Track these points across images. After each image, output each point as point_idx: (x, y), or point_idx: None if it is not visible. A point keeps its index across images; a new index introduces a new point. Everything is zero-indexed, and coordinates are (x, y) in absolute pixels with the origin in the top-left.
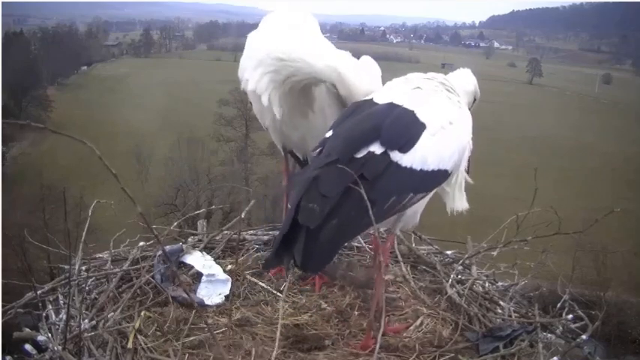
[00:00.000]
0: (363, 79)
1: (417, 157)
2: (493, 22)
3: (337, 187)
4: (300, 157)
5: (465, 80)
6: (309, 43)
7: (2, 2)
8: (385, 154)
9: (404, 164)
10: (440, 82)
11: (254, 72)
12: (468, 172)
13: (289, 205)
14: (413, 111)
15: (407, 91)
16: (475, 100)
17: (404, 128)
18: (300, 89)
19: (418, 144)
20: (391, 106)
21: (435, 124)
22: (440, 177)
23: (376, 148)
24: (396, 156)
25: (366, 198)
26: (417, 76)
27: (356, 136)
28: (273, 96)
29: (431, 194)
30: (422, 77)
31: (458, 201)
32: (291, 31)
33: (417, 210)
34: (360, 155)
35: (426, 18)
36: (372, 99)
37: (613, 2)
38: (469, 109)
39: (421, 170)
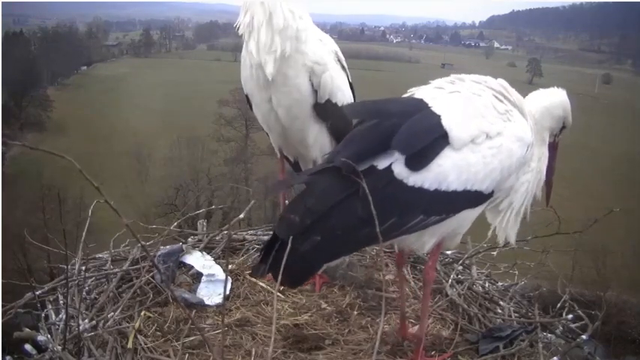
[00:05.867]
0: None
1: (429, 177)
2: (493, 22)
3: (324, 202)
4: (292, 159)
5: (550, 101)
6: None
7: (2, 2)
8: (388, 169)
9: (410, 183)
10: (489, 87)
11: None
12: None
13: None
14: (439, 116)
15: (442, 94)
16: (565, 127)
17: (421, 135)
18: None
19: (434, 162)
20: (418, 104)
21: (464, 136)
22: (470, 199)
23: (380, 162)
24: (401, 173)
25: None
26: (465, 77)
27: (365, 142)
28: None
29: (470, 214)
30: (470, 79)
31: (509, 230)
32: None
33: (447, 232)
34: (362, 167)
35: (426, 18)
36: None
37: (613, 2)
38: (556, 137)
39: (436, 191)
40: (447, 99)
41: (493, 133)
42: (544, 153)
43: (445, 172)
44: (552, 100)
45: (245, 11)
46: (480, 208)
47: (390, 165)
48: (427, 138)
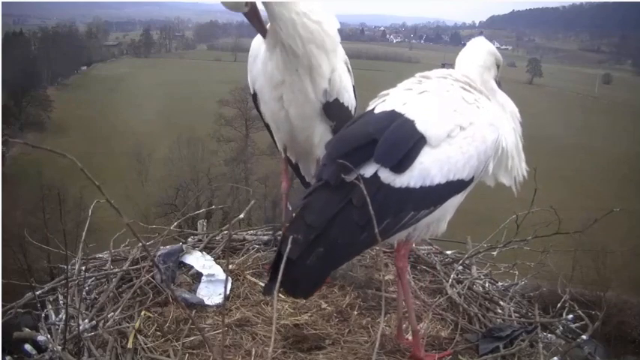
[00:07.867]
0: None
1: (414, 176)
2: (493, 22)
3: (323, 216)
4: (293, 160)
5: (480, 57)
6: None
7: (2, 2)
8: (375, 176)
9: (397, 185)
10: (455, 80)
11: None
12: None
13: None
14: (413, 121)
15: (412, 97)
16: (499, 66)
17: (399, 144)
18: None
19: (416, 161)
20: (391, 116)
21: (440, 134)
22: (453, 188)
23: (366, 170)
24: (388, 177)
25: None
26: (431, 74)
27: (347, 156)
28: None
29: (455, 201)
30: (435, 76)
31: (521, 166)
32: None
33: (432, 221)
34: (350, 179)
35: (426, 18)
36: (377, 107)
37: (613, 2)
38: (497, 76)
39: (422, 187)
40: (418, 101)
41: (466, 124)
42: (503, 96)
43: (427, 168)
44: (480, 53)
45: (302, 52)
46: (464, 194)
47: (376, 172)
48: (406, 144)
